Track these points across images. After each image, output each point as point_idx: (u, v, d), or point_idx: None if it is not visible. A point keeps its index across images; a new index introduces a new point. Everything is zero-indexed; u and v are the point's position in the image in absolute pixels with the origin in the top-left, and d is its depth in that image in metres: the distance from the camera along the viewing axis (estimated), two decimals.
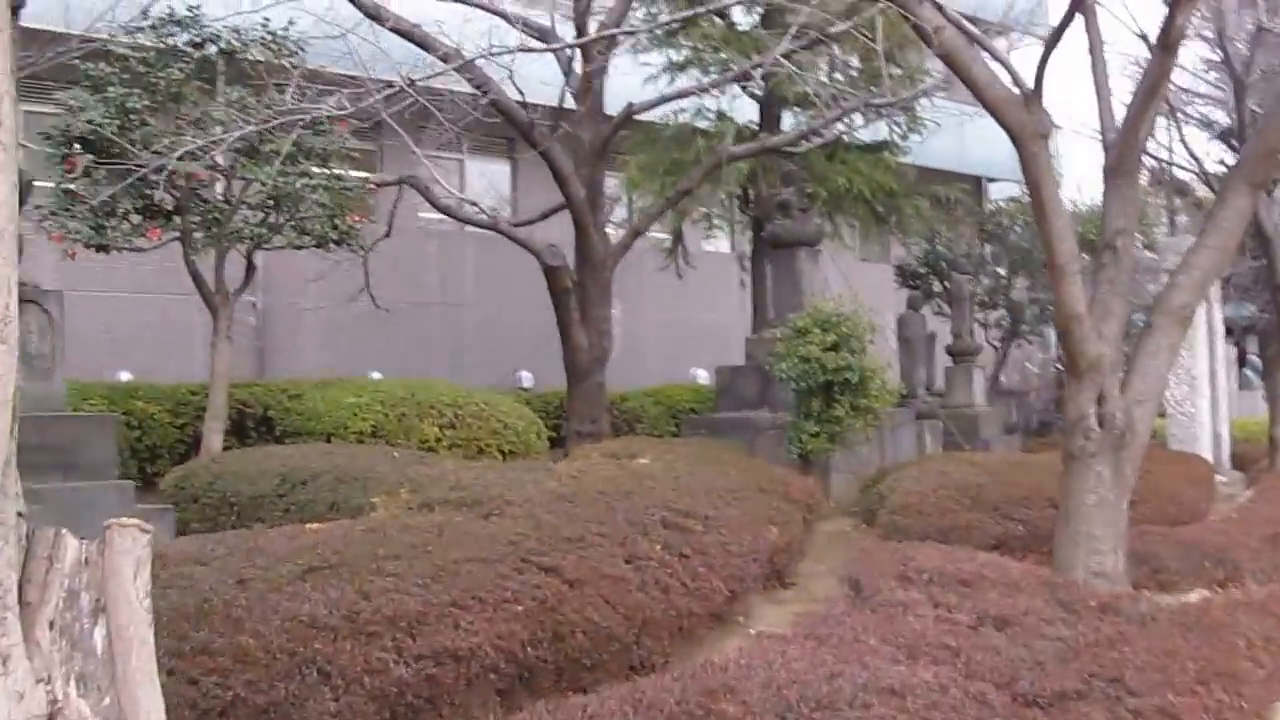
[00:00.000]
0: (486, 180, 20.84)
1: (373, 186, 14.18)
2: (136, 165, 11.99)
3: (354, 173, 13.69)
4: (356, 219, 13.42)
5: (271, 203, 12.88)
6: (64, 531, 3.24)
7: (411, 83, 10.36)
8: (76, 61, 12.60)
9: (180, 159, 11.90)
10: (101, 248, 12.55)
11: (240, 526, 9.50)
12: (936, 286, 21.35)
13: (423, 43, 13.36)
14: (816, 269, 15.48)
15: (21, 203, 9.97)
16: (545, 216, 15.98)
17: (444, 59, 11.97)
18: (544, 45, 12.44)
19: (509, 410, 14.17)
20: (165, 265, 14.08)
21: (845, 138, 17.00)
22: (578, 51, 14.38)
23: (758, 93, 17.65)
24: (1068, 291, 8.72)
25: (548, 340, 15.42)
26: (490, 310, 20.48)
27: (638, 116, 15.24)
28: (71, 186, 12.44)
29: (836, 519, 12.47)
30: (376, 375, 18.50)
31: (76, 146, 12.29)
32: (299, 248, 13.21)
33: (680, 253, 19.13)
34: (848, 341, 12.92)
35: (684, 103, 16.78)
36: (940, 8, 8.77)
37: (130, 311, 17.73)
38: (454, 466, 10.71)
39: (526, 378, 19.72)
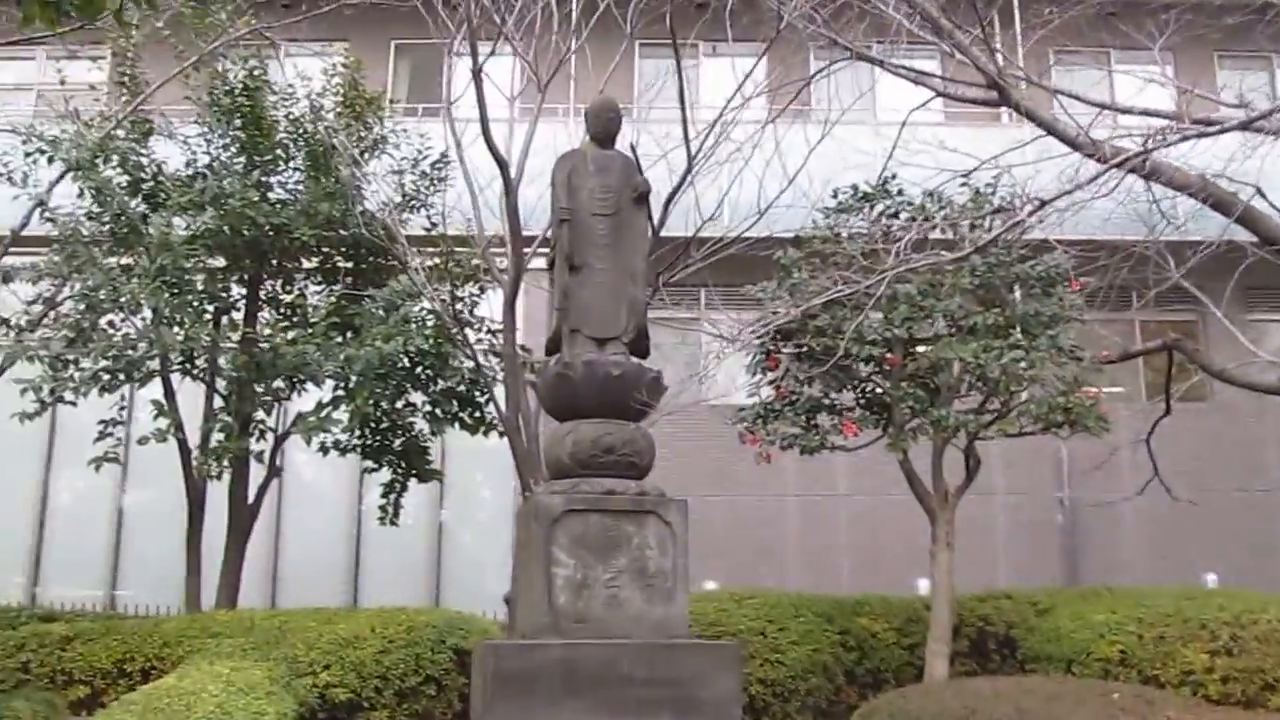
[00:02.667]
0: None
1: (1109, 356, 11.63)
2: (827, 355, 10.90)
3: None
4: (1090, 394, 11.00)
5: (980, 384, 10.98)
6: None
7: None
8: (769, 252, 11.76)
9: (872, 342, 10.64)
10: (807, 449, 11.41)
11: None
12: None
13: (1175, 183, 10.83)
14: None
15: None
16: None
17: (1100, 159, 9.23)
18: None
19: None
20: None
21: None
22: None
23: None
24: None
25: None
26: None
27: None
28: (779, 384, 11.60)
29: None
30: (1211, 579, 15.48)
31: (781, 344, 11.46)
32: (1011, 435, 11.08)
33: None
34: None
35: None
36: None
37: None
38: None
39: None
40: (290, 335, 12.44)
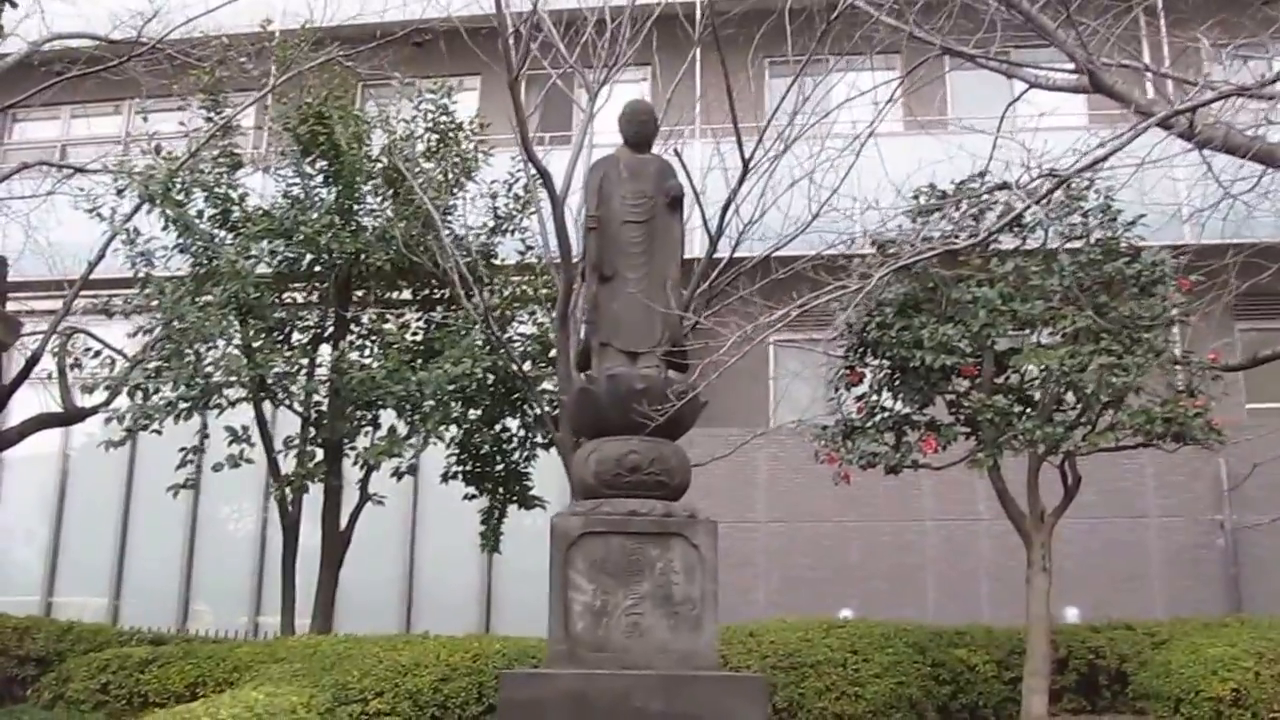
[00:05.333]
0: None
1: (1215, 361, 10.51)
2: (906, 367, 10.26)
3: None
4: (1197, 404, 9.98)
5: (1072, 394, 10.10)
6: None
7: None
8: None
9: (949, 351, 9.94)
10: (890, 467, 10.69)
11: None
12: None
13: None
14: None
15: None
16: None
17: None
18: None
19: None
20: None
21: None
22: None
23: None
24: None
25: None
26: None
27: None
28: (862, 400, 10.96)
29: None
30: None
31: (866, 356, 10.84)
32: (1106, 449, 10.12)
33: None
34: None
35: None
36: None
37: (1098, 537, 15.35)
38: None
39: None
40: (369, 362, 12.39)
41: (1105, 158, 7.70)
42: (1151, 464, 15.09)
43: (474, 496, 13.51)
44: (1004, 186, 9.58)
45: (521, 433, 13.22)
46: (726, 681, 8.32)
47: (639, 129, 9.41)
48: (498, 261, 13.54)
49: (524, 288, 13.24)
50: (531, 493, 13.55)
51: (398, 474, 12.33)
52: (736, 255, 12.13)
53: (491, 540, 13.42)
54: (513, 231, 13.54)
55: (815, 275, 10.33)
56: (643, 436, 8.63)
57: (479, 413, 12.82)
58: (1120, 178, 10.45)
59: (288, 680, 10.00)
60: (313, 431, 12.93)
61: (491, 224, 13.55)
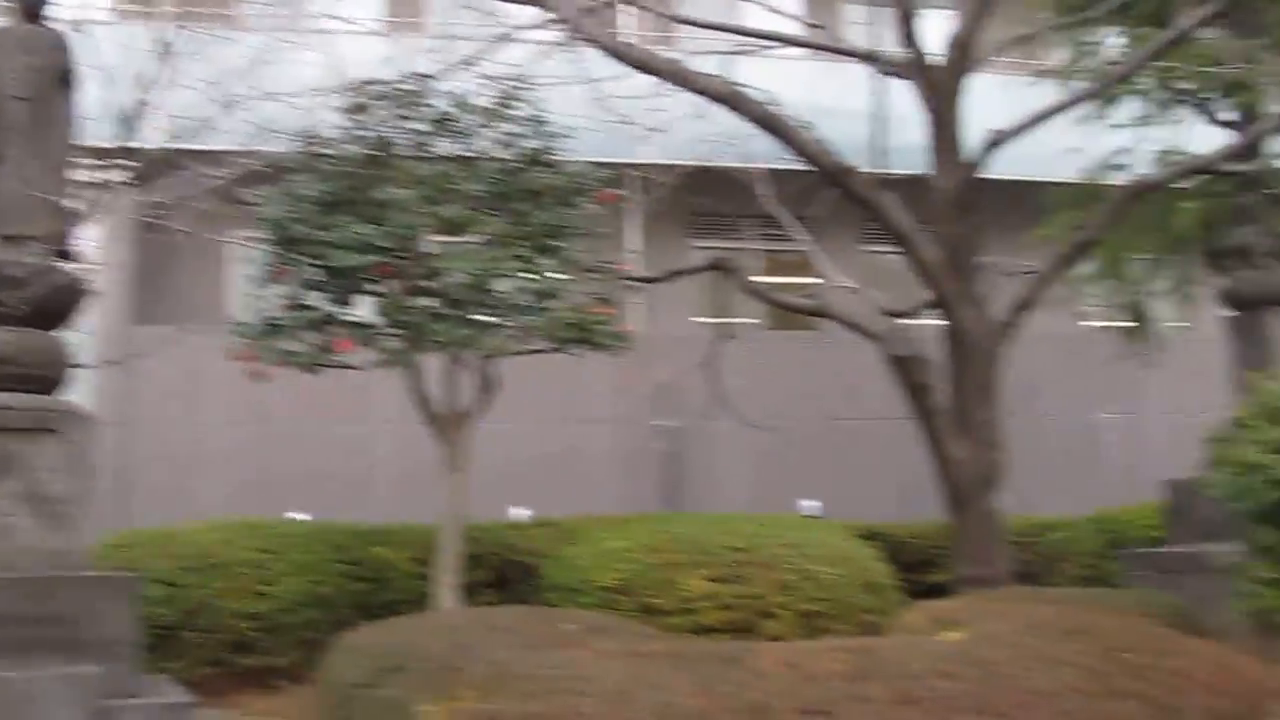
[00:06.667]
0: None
1: (628, 271, 11.12)
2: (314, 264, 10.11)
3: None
4: (604, 311, 10.45)
5: (487, 298, 10.29)
6: None
7: None
8: None
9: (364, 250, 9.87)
10: (304, 365, 10.50)
11: None
12: None
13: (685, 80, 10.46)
14: None
15: None
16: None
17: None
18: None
19: (829, 554, 10.32)
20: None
21: None
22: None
23: (1233, 118, 12.74)
24: None
25: None
26: None
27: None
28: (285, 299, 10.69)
29: None
30: (809, 505, 15.33)
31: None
32: (519, 353, 10.47)
33: (1152, 333, 14.33)
34: None
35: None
36: None
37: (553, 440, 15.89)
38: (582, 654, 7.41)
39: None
40: None
41: (453, 67, 7.85)
42: (603, 370, 15.75)
43: None
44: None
45: None
46: (96, 582, 7.98)
47: None
48: None
49: None
50: None
51: None
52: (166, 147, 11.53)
53: None
54: None
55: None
56: (14, 326, 8.15)
57: None
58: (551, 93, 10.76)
59: None
60: None
61: None
